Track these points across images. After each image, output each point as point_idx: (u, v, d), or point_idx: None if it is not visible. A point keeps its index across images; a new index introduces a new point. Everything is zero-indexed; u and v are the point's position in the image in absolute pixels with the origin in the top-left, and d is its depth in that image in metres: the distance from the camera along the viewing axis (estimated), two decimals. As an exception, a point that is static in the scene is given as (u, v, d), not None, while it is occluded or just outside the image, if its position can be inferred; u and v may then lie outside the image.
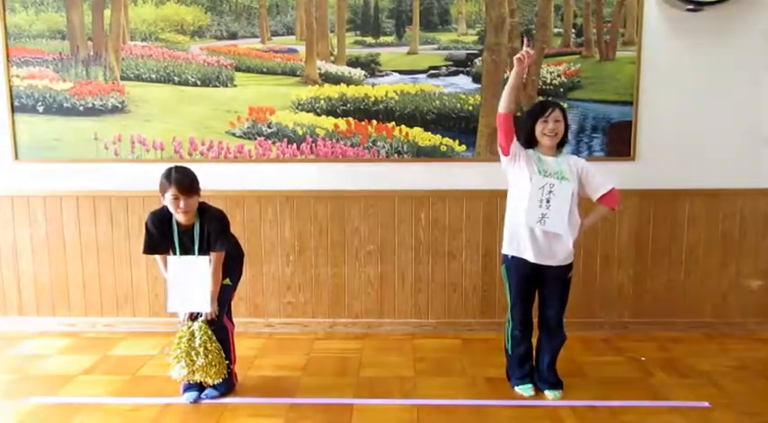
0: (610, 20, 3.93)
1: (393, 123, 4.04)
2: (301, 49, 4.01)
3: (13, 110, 4.06)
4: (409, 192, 4.06)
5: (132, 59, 4.03)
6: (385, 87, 4.02)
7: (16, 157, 4.10)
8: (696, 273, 4.09)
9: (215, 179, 3.92)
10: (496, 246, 3.27)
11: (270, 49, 4.03)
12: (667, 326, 4.10)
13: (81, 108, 4.05)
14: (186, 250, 3.12)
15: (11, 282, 4.21)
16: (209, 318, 3.11)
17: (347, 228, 4.11)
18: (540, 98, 3.86)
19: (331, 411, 3.08)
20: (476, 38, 3.98)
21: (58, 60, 4.03)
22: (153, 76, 4.04)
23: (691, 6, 3.78)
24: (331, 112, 4.04)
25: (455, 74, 4.02)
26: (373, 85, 4.02)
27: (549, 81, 3.97)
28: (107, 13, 3.99)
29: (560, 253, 3.10)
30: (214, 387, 3.18)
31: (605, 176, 3.13)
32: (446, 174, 4.04)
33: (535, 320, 3.28)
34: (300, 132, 4.04)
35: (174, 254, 3.14)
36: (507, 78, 3.88)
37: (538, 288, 3.22)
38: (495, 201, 3.93)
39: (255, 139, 4.05)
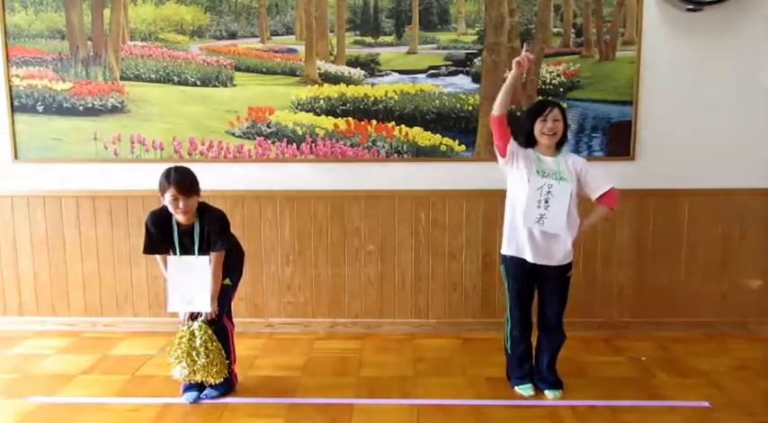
0: (609, 20, 3.93)
1: (393, 123, 4.04)
2: (301, 48, 4.01)
3: (13, 110, 4.05)
4: (409, 191, 4.06)
5: (132, 59, 4.03)
6: (385, 87, 4.02)
7: (16, 157, 4.10)
8: (696, 272, 4.09)
9: (215, 179, 3.92)
10: (496, 245, 3.27)
11: (269, 48, 4.03)
12: (667, 326, 4.09)
13: (81, 108, 4.05)
14: (186, 250, 3.12)
15: (11, 281, 4.21)
16: (209, 318, 3.11)
17: (347, 228, 4.10)
18: (540, 98, 3.85)
19: (331, 411, 3.08)
20: (475, 37, 3.98)
21: (58, 60, 4.02)
22: (152, 75, 4.04)
23: (691, 6, 3.78)
24: (331, 111, 4.04)
25: (455, 74, 4.02)
26: (373, 84, 4.02)
27: (548, 81, 3.97)
28: (107, 12, 3.98)
29: (559, 253, 3.10)
30: (214, 387, 3.18)
31: (605, 176, 3.12)
32: (446, 173, 4.04)
33: (535, 320, 3.28)
34: (300, 132, 4.04)
35: (175, 254, 3.14)
36: (506, 78, 3.92)
37: (537, 287, 3.22)
38: (494, 200, 3.92)
39: (255, 138, 4.05)
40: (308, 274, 4.15)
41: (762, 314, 4.11)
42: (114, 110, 4.05)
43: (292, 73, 4.03)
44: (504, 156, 3.08)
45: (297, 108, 4.04)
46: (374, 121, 4.04)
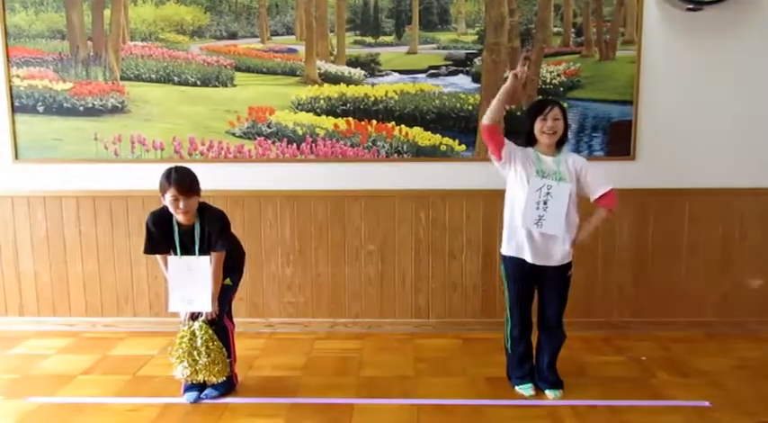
0: (610, 19, 3.93)
1: (393, 123, 4.04)
2: (301, 48, 4.01)
3: (13, 110, 4.06)
4: (409, 191, 4.06)
5: (132, 59, 4.03)
6: (385, 87, 4.02)
7: (16, 158, 4.10)
8: (697, 272, 4.09)
9: (215, 179, 3.92)
10: (497, 245, 3.27)
11: (269, 48, 4.03)
12: (668, 325, 4.09)
13: (81, 108, 4.05)
14: (187, 250, 3.12)
15: (11, 282, 4.21)
16: (209, 318, 3.11)
17: (347, 228, 4.11)
18: (540, 97, 3.86)
19: (331, 411, 3.08)
20: (475, 37, 3.98)
21: (58, 60, 4.03)
22: (153, 76, 4.04)
23: (691, 6, 3.78)
24: (331, 111, 4.04)
25: (455, 73, 4.02)
26: (373, 84, 4.02)
27: (548, 80, 3.97)
28: (107, 13, 3.98)
29: (558, 253, 3.09)
30: (214, 387, 3.18)
31: (604, 177, 3.11)
32: (446, 173, 4.04)
33: (535, 320, 3.28)
34: (300, 132, 4.04)
35: (175, 254, 3.14)
36: (507, 78, 3.92)
37: (537, 287, 3.22)
38: (495, 200, 3.90)
39: (255, 138, 4.05)
40: (309, 273, 4.15)
41: (762, 314, 4.10)
42: (114, 110, 4.05)
43: (292, 73, 4.03)
44: (499, 159, 3.07)
45: (297, 108, 4.04)
46: (374, 121, 4.04)
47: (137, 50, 4.03)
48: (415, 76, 4.03)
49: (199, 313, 3.11)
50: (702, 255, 4.08)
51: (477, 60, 3.99)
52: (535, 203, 3.03)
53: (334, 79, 4.02)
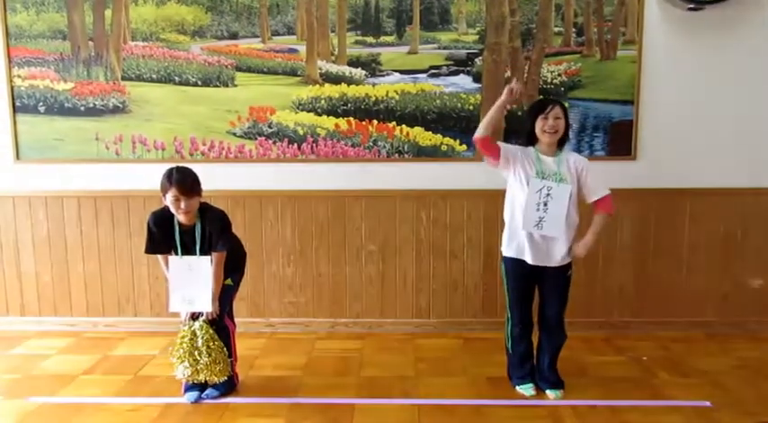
0: (610, 19, 3.93)
1: (394, 123, 4.04)
2: (302, 48, 4.01)
3: (15, 110, 4.06)
4: (410, 191, 4.06)
5: (133, 59, 4.04)
6: (386, 87, 4.02)
7: (18, 158, 4.10)
8: (697, 272, 4.09)
9: (216, 179, 3.92)
10: (497, 245, 3.27)
11: (270, 48, 4.03)
12: (668, 325, 4.09)
13: (82, 108, 4.05)
14: (188, 250, 3.12)
15: (12, 282, 4.21)
16: (210, 318, 3.11)
17: (348, 227, 4.11)
18: (541, 97, 3.86)
19: (332, 411, 3.08)
20: (476, 37, 3.98)
21: (59, 61, 4.03)
22: (154, 76, 4.04)
23: (692, 5, 3.78)
24: (332, 111, 4.04)
25: (456, 73, 4.02)
26: (374, 84, 4.02)
27: (549, 80, 3.97)
28: (108, 13, 3.99)
29: (558, 254, 3.09)
30: (215, 387, 3.18)
31: (603, 182, 3.11)
32: (447, 173, 4.04)
33: (536, 320, 3.28)
34: (301, 132, 4.05)
35: (176, 254, 3.14)
36: (508, 78, 3.93)
37: (537, 287, 3.22)
38: (496, 200, 3.89)
39: (256, 138, 4.06)
40: (309, 273, 4.15)
41: (762, 314, 4.10)
42: (116, 110, 4.06)
43: (293, 73, 4.03)
44: (497, 162, 3.07)
45: (298, 108, 4.05)
46: (375, 121, 4.04)
47: (138, 50, 4.03)
48: (416, 76, 4.03)
49: (200, 313, 3.12)
50: (703, 255, 4.08)
51: (478, 60, 3.99)
52: (535, 205, 3.03)
53: (335, 79, 4.02)
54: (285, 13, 4.00)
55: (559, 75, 3.97)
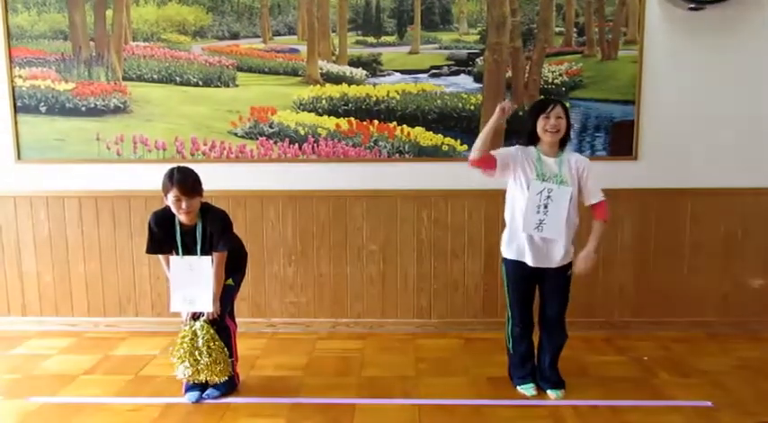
0: (611, 19, 3.93)
1: (395, 123, 4.04)
2: (303, 48, 4.02)
3: (16, 110, 4.06)
4: (411, 191, 4.06)
5: (134, 60, 4.04)
6: (386, 87, 4.02)
7: (19, 158, 4.11)
8: (698, 272, 4.08)
9: (217, 179, 3.92)
10: (498, 245, 3.27)
11: (271, 48, 4.03)
12: (669, 325, 4.09)
13: (83, 108, 4.05)
14: (188, 250, 3.12)
15: (14, 282, 4.22)
16: (211, 318, 3.12)
17: (349, 228, 4.11)
18: (542, 97, 3.86)
19: (333, 411, 3.08)
20: (477, 37, 3.98)
21: (61, 61, 4.03)
22: (155, 76, 4.04)
23: (693, 5, 3.78)
24: (333, 111, 4.04)
25: (457, 73, 4.02)
26: (375, 84, 4.02)
27: (550, 80, 3.97)
28: (109, 13, 3.99)
29: (558, 255, 3.09)
30: (216, 387, 3.18)
31: (600, 187, 3.11)
32: (448, 173, 4.04)
33: (536, 319, 3.28)
34: (302, 132, 4.05)
35: (177, 254, 3.14)
36: (509, 77, 3.93)
37: (538, 286, 3.22)
38: (497, 200, 3.88)
39: (257, 139, 4.06)
40: (311, 274, 4.15)
41: (763, 314, 4.10)
42: (117, 110, 4.06)
43: (294, 73, 4.04)
44: (494, 171, 3.07)
45: (299, 108, 4.05)
46: (376, 121, 4.04)
47: (139, 51, 4.03)
48: (417, 75, 4.03)
49: (201, 313, 3.12)
50: (704, 254, 4.07)
51: (479, 60, 3.99)
52: (535, 207, 3.02)
53: (335, 79, 4.03)
54: (286, 13, 4.00)
55: (560, 75, 3.97)
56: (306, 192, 4.07)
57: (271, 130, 4.05)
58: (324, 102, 4.03)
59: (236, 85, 4.05)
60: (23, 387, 3.38)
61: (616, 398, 3.19)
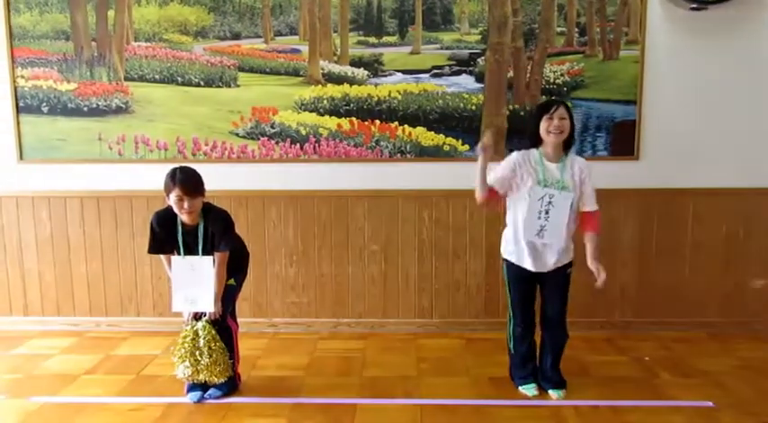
0: (613, 19, 3.93)
1: (396, 123, 4.04)
2: (304, 49, 4.02)
3: (18, 110, 4.07)
4: (412, 191, 4.06)
5: (136, 60, 4.04)
6: (388, 87, 4.02)
7: (21, 158, 4.11)
8: (700, 272, 4.08)
9: (219, 179, 3.92)
10: (499, 245, 3.27)
11: (273, 49, 4.04)
12: (671, 325, 4.09)
13: (85, 108, 4.06)
14: (190, 250, 3.12)
15: (16, 281, 4.22)
16: (212, 318, 3.12)
17: (351, 228, 4.11)
18: (544, 98, 3.86)
19: (334, 411, 3.08)
20: (479, 37, 3.98)
21: (63, 61, 4.04)
22: (156, 76, 4.05)
23: (695, 5, 3.77)
24: (334, 111, 4.05)
25: (458, 73, 4.02)
26: (376, 84, 4.03)
27: (552, 80, 3.96)
28: (111, 13, 3.99)
29: (557, 258, 3.10)
30: (217, 387, 3.19)
31: (595, 196, 3.11)
32: (449, 173, 4.03)
33: (537, 320, 3.28)
34: (304, 132, 4.05)
35: (179, 254, 3.14)
36: (510, 77, 3.93)
37: (539, 287, 3.22)
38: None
39: (259, 139, 4.06)
40: (312, 274, 4.16)
41: (765, 314, 4.10)
42: (118, 110, 4.06)
43: (296, 73, 4.04)
44: (499, 199, 3.11)
45: (300, 108, 4.05)
46: (377, 121, 4.04)
47: (140, 51, 4.04)
48: (419, 76, 4.03)
49: (202, 313, 3.12)
50: (705, 255, 4.07)
51: (480, 60, 3.99)
52: (537, 213, 3.01)
53: (337, 79, 4.03)
54: (288, 13, 4.00)
55: (562, 75, 3.97)
56: (307, 192, 4.08)
57: (272, 131, 4.05)
58: (325, 102, 4.04)
59: (238, 86, 4.05)
60: (25, 387, 3.38)
61: (617, 398, 3.19)
